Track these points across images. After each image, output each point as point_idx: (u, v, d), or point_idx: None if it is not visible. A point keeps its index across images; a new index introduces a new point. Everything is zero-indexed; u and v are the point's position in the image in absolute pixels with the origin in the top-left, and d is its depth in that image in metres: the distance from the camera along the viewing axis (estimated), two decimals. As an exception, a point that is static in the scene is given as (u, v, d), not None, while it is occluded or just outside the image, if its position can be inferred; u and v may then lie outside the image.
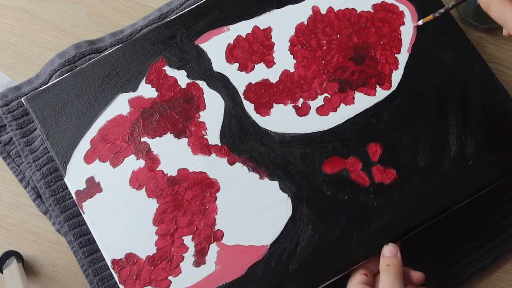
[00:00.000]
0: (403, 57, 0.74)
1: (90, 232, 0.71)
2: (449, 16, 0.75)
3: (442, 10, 0.69)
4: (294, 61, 0.74)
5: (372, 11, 0.76)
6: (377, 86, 0.73)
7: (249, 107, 0.72)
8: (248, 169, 0.69)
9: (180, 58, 0.73)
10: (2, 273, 0.72)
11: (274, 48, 0.74)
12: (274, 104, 0.72)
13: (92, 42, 0.80)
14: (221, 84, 0.72)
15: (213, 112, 0.71)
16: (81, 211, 0.68)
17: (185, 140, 0.70)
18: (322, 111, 0.72)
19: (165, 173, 0.69)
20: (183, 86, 0.72)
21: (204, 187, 0.68)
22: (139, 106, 0.71)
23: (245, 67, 0.73)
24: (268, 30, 0.75)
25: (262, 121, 0.71)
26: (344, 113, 0.72)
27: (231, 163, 0.70)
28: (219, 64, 0.73)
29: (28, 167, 0.75)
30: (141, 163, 0.69)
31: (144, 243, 0.67)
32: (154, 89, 0.72)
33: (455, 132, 0.71)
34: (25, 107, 0.76)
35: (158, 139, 0.71)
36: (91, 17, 0.83)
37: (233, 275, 0.66)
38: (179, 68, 0.73)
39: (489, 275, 0.74)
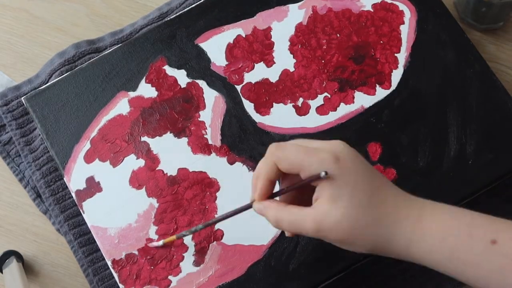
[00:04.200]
0: (402, 57, 0.74)
1: (90, 232, 0.71)
2: (449, 16, 0.75)
3: (185, 232, 0.65)
4: (294, 61, 0.74)
5: (372, 11, 0.76)
6: (377, 85, 0.73)
7: (249, 106, 0.72)
8: (248, 169, 0.69)
9: (180, 57, 0.73)
10: (2, 272, 0.72)
11: (274, 48, 0.74)
12: (274, 103, 0.72)
13: (92, 41, 0.80)
14: (221, 83, 0.72)
15: (213, 112, 0.71)
16: (81, 210, 0.68)
17: (185, 140, 0.70)
18: (322, 110, 0.72)
19: (165, 172, 0.69)
20: (183, 85, 0.72)
21: (204, 187, 0.68)
22: (139, 105, 0.71)
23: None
24: (268, 30, 0.75)
25: (262, 121, 0.71)
26: (344, 112, 0.72)
27: (231, 162, 0.70)
28: (219, 63, 0.73)
29: (27, 166, 0.75)
30: (141, 162, 0.69)
31: (144, 243, 0.67)
32: (154, 88, 0.72)
33: (455, 132, 0.71)
34: (24, 107, 0.76)
35: (158, 139, 0.71)
36: (91, 16, 0.83)
37: (233, 275, 0.66)
38: (179, 68, 0.73)
39: (489, 274, 0.74)
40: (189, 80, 0.73)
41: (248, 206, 0.58)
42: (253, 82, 0.73)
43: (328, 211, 0.51)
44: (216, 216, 0.67)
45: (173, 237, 0.65)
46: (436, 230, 0.51)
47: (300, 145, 0.54)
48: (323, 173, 0.50)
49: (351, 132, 0.71)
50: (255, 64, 0.73)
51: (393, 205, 0.52)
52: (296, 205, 0.55)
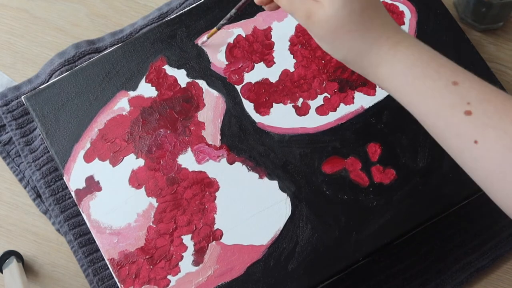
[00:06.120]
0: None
1: (89, 232, 0.71)
2: (449, 16, 0.75)
3: (223, 21, 0.71)
4: (294, 61, 0.74)
5: (372, 11, 0.75)
6: (377, 86, 0.73)
7: (248, 106, 0.72)
8: (248, 169, 0.69)
9: (180, 57, 0.73)
10: (2, 272, 0.72)
11: (274, 48, 0.74)
12: (273, 103, 0.72)
13: (91, 42, 0.80)
14: (221, 83, 0.72)
15: (212, 112, 0.71)
16: (80, 209, 0.68)
17: (184, 139, 0.70)
18: (321, 110, 0.72)
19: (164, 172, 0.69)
20: (183, 85, 0.72)
21: (204, 187, 0.68)
22: (139, 105, 0.71)
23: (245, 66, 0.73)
24: (268, 30, 0.75)
25: (261, 121, 0.71)
26: (343, 112, 0.72)
27: (231, 162, 0.70)
28: (219, 63, 0.73)
29: (27, 166, 0.76)
30: (141, 162, 0.69)
31: (143, 242, 0.67)
32: (154, 88, 0.72)
33: (455, 132, 0.71)
34: (24, 107, 0.76)
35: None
36: (91, 17, 0.83)
37: (232, 275, 0.66)
38: (179, 67, 0.73)
39: (489, 274, 0.74)
40: (189, 80, 0.73)
41: None
42: (253, 82, 0.73)
43: (322, 6, 0.54)
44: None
45: (214, 29, 0.71)
46: (409, 57, 0.53)
47: None
48: None
49: (350, 132, 0.71)
50: (255, 64, 0.73)
51: (380, 25, 0.54)
52: None
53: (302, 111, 0.72)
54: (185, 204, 0.68)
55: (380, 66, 0.54)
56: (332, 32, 0.54)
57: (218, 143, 0.70)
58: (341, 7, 0.53)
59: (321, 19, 0.54)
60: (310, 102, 0.72)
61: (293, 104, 0.72)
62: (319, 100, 0.72)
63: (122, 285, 0.65)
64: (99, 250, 0.69)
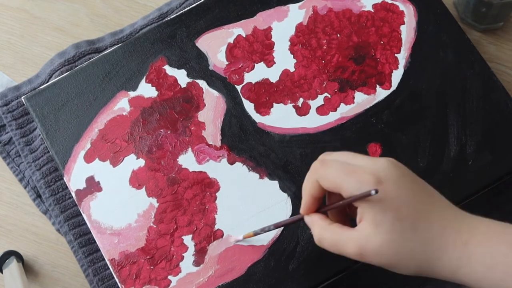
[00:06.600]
0: (403, 57, 0.74)
1: (90, 232, 0.71)
2: (449, 16, 0.75)
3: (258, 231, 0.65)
4: (294, 61, 0.74)
5: (373, 11, 0.76)
6: (377, 85, 0.73)
7: (249, 106, 0.72)
8: (248, 169, 0.69)
9: (180, 57, 0.73)
10: (2, 272, 0.72)
11: (274, 48, 0.74)
12: (274, 103, 0.72)
13: (91, 42, 0.80)
14: (221, 83, 0.72)
15: (213, 112, 0.71)
16: (80, 210, 0.68)
17: (184, 140, 0.70)
18: (322, 110, 0.72)
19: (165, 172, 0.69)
20: (183, 85, 0.72)
21: (204, 187, 0.68)
22: (139, 105, 0.71)
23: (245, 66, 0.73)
24: (268, 30, 0.75)
25: (262, 121, 0.71)
26: (343, 112, 0.72)
27: (231, 162, 0.70)
28: (219, 63, 0.73)
29: (28, 166, 0.75)
30: (141, 162, 0.69)
31: (144, 243, 0.67)
32: (154, 88, 0.72)
33: (455, 132, 0.71)
34: (24, 107, 0.76)
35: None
36: (91, 17, 0.83)
37: (232, 275, 0.66)
38: (179, 68, 0.73)
39: (489, 275, 0.74)
40: (189, 80, 0.73)
41: (301, 217, 0.58)
42: (253, 82, 0.73)
43: (371, 235, 0.50)
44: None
45: (251, 232, 0.65)
46: (483, 257, 0.49)
47: (343, 162, 0.53)
48: (374, 192, 0.48)
49: (351, 132, 0.71)
50: (255, 64, 0.73)
51: (438, 230, 0.50)
52: (344, 221, 0.54)
53: (302, 111, 0.72)
54: (185, 205, 0.68)
55: (457, 274, 0.50)
56: (392, 258, 0.50)
57: (218, 143, 0.70)
58: (390, 230, 0.49)
59: (375, 250, 0.50)
60: (311, 102, 0.72)
61: (293, 104, 0.72)
62: (319, 100, 0.72)
63: (123, 286, 0.65)
64: (99, 250, 0.69)
